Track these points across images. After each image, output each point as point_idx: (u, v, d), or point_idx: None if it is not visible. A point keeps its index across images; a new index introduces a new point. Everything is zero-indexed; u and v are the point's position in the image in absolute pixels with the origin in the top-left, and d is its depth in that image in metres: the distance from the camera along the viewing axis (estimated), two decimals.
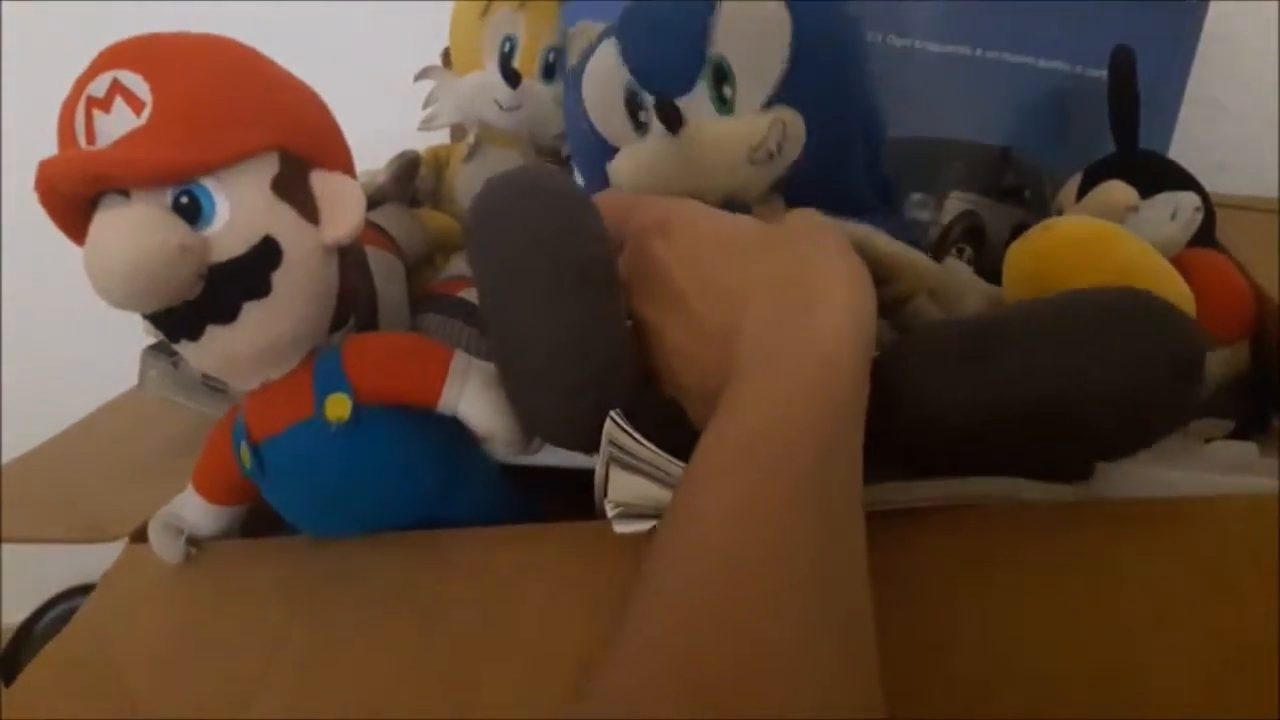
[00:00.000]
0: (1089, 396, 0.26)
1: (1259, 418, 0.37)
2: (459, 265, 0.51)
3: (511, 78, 0.50)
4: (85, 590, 0.37)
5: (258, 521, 0.38)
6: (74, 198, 0.29)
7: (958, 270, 0.39)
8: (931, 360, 0.28)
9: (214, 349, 0.30)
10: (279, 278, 0.30)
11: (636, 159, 0.35)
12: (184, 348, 0.31)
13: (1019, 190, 0.50)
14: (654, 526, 0.27)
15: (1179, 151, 0.47)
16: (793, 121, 0.33)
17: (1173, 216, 0.36)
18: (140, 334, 0.37)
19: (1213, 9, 0.47)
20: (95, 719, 0.31)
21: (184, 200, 0.28)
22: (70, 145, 0.29)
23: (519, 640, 0.29)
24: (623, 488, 0.28)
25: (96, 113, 0.28)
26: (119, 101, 0.28)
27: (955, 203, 0.51)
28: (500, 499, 0.38)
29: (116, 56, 0.29)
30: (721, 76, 0.34)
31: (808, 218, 0.30)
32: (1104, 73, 0.44)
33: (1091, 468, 0.30)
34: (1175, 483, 0.30)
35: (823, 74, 0.34)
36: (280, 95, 0.31)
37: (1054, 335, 0.27)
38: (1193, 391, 0.26)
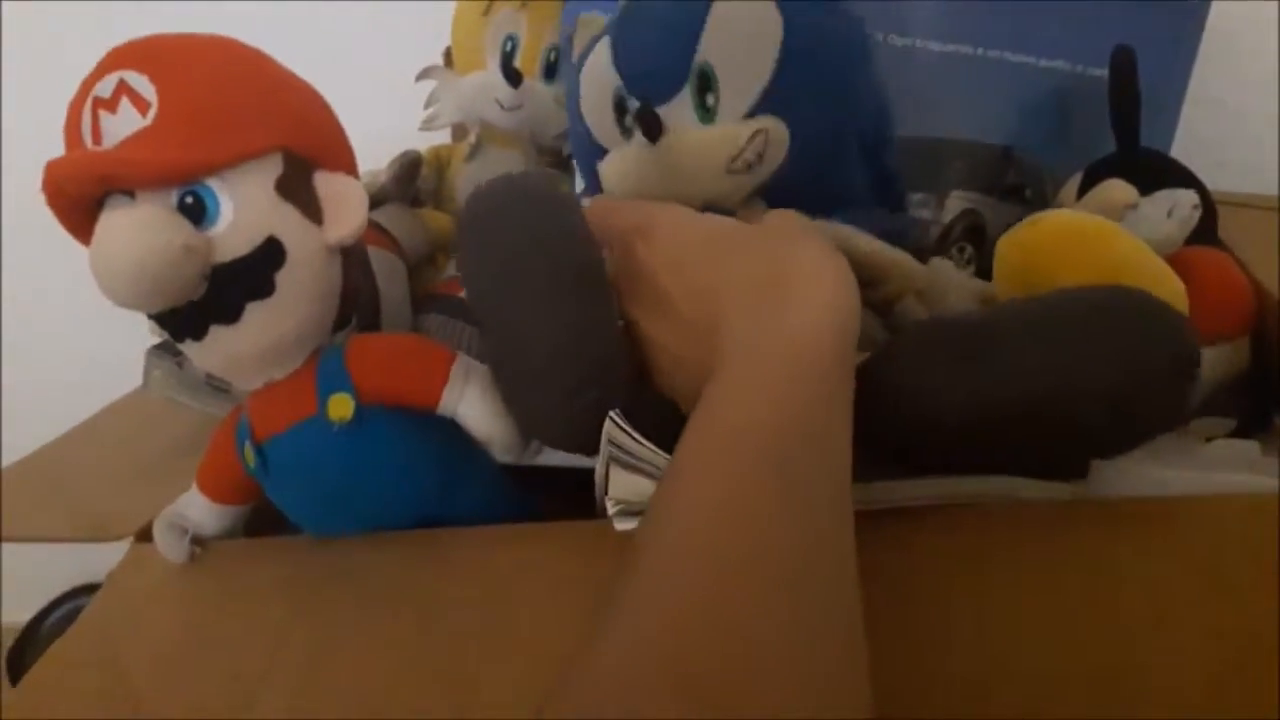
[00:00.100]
0: (1080, 395, 0.26)
1: (1260, 416, 0.37)
2: None
3: (513, 77, 0.50)
4: (91, 589, 0.37)
5: (261, 520, 0.38)
6: (80, 198, 0.29)
7: (943, 269, 0.39)
8: (923, 360, 0.28)
9: (218, 349, 0.31)
10: (282, 278, 0.30)
11: (620, 164, 0.35)
12: (188, 347, 0.31)
13: (1020, 189, 0.50)
14: None
15: (1181, 150, 0.47)
16: (775, 130, 0.33)
17: (1170, 214, 0.36)
18: (145, 334, 0.38)
19: (1215, 8, 0.47)
20: (100, 718, 0.31)
21: (189, 200, 0.29)
22: (77, 146, 0.29)
23: (519, 639, 0.29)
24: (623, 486, 0.28)
25: (103, 113, 0.29)
26: (125, 102, 0.28)
27: (956, 202, 0.51)
28: (500, 498, 0.38)
29: (123, 57, 0.29)
30: (706, 84, 0.33)
31: (787, 218, 0.31)
32: (1105, 72, 0.43)
33: (1087, 465, 0.30)
34: (1175, 482, 0.30)
35: (814, 78, 0.33)
36: (284, 96, 0.31)
37: (1045, 334, 0.27)
38: (1184, 389, 0.26)
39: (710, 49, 0.33)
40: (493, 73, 0.51)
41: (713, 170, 0.33)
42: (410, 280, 0.48)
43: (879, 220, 0.36)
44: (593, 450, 0.29)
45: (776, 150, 0.33)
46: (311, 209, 0.31)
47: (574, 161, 0.44)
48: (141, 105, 0.28)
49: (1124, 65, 0.43)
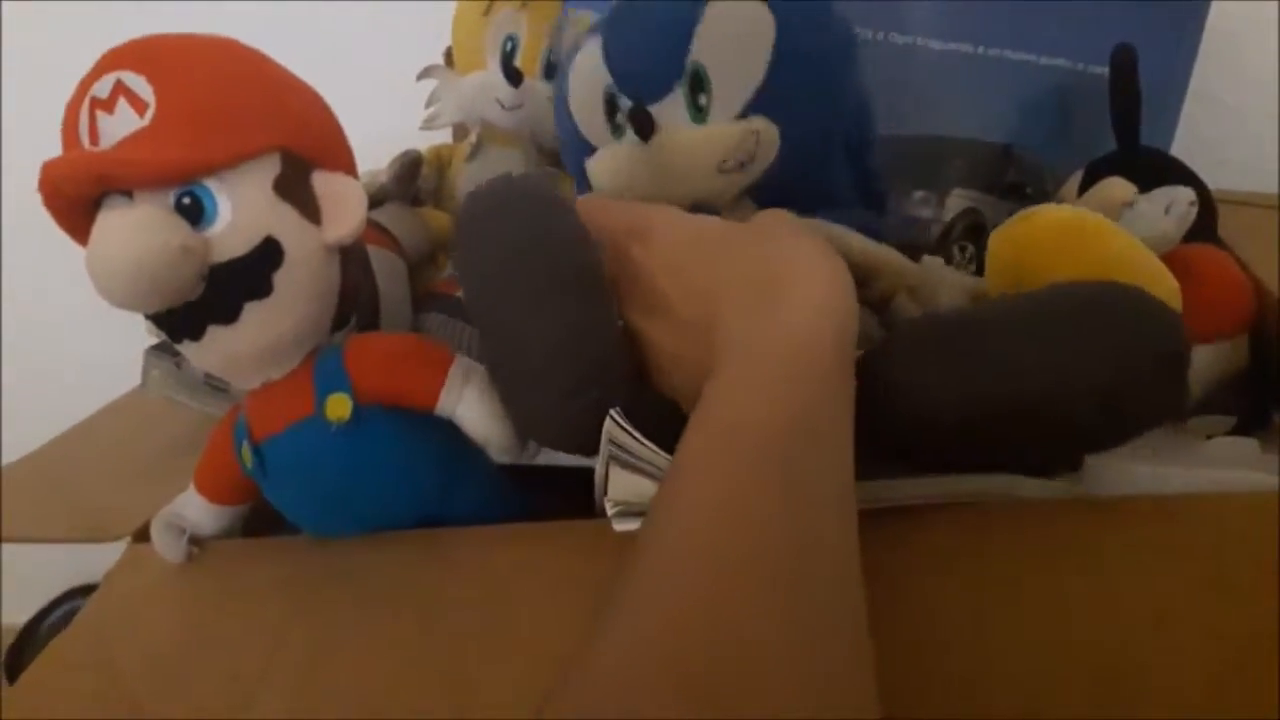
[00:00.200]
0: (1072, 391, 0.26)
1: (1259, 414, 0.37)
2: None
3: (513, 77, 0.50)
4: (90, 590, 0.37)
5: (259, 520, 0.38)
6: (78, 198, 0.29)
7: (934, 267, 0.39)
8: (915, 357, 0.29)
9: (216, 349, 0.31)
10: (280, 278, 0.30)
11: (610, 162, 0.35)
12: (186, 348, 0.31)
13: (1021, 187, 0.50)
14: None
15: (1181, 148, 0.47)
16: (766, 131, 0.33)
17: (1167, 211, 0.35)
18: (144, 334, 0.38)
19: (1215, 7, 0.47)
20: (98, 718, 0.31)
21: (186, 201, 0.29)
22: (74, 146, 0.29)
23: (518, 639, 0.29)
24: (623, 486, 0.28)
25: (100, 113, 0.29)
26: (122, 103, 0.28)
27: (957, 200, 0.51)
28: (499, 498, 0.38)
29: (120, 58, 0.29)
30: (699, 84, 0.33)
31: (780, 218, 0.31)
32: (1106, 70, 0.43)
33: (1080, 460, 0.30)
34: (1174, 480, 0.30)
35: (805, 78, 0.33)
36: (283, 96, 0.31)
37: (1036, 330, 0.27)
38: (1176, 385, 0.26)
39: (703, 49, 0.33)
40: (493, 72, 0.51)
41: (704, 170, 0.33)
42: (411, 279, 0.48)
43: (861, 219, 0.36)
44: (591, 451, 0.29)
45: (767, 150, 0.34)
46: (310, 209, 0.31)
47: (562, 156, 0.44)
48: (139, 106, 0.28)
49: (1125, 63, 0.43)
